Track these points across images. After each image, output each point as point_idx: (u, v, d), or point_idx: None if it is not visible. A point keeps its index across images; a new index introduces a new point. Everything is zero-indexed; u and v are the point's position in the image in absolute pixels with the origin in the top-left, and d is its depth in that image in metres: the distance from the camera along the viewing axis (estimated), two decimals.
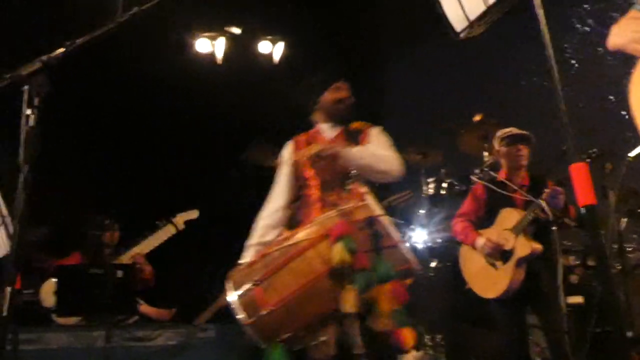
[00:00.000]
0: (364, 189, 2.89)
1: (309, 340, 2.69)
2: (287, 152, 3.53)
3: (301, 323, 2.59)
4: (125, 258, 5.52)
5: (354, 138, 3.38)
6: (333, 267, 2.55)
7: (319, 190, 3.24)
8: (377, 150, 3.28)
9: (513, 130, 4.27)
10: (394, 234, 2.65)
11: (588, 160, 3.99)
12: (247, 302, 2.63)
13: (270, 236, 3.26)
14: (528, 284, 4.00)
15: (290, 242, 2.74)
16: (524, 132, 4.25)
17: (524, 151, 4.24)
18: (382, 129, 3.51)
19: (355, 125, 3.48)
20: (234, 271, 2.84)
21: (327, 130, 3.48)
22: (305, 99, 3.57)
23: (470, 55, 7.17)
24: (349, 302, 2.52)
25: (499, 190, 4.19)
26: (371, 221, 2.61)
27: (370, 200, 2.72)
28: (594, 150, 4.02)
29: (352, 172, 3.10)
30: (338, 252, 2.54)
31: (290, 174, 3.45)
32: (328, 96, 3.48)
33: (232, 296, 2.67)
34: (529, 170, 4.32)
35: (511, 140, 4.24)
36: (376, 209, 2.66)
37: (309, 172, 3.30)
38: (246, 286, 2.66)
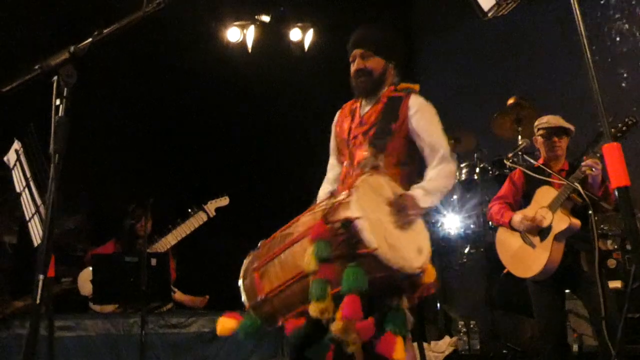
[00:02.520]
0: (366, 175, 2.65)
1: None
2: (336, 122, 3.31)
3: (295, 311, 2.51)
4: (165, 242, 5.59)
5: (393, 111, 3.02)
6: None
7: (350, 167, 3.08)
8: (439, 182, 2.92)
9: (551, 121, 4.17)
10: (370, 240, 2.32)
11: (624, 128, 3.87)
12: (248, 286, 2.66)
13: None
14: (568, 263, 3.91)
15: (288, 230, 2.67)
16: (561, 124, 4.15)
17: (560, 143, 4.16)
18: (424, 101, 3.06)
19: (394, 92, 3.09)
20: (254, 250, 2.80)
21: (364, 105, 3.16)
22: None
23: (503, 39, 7.07)
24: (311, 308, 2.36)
25: (537, 176, 4.12)
26: (347, 224, 2.37)
27: (356, 196, 2.44)
28: (630, 118, 3.87)
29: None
30: (307, 259, 2.39)
31: (334, 141, 3.30)
32: (351, 68, 3.13)
33: (240, 280, 2.71)
34: (567, 156, 4.25)
35: (548, 132, 4.17)
36: (356, 209, 2.38)
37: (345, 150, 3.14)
38: (249, 271, 2.68)
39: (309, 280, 2.41)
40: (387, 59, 3.12)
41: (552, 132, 4.16)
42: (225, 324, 2.70)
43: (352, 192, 2.45)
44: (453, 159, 3.03)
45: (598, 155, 3.84)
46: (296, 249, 2.50)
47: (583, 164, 3.85)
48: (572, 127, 4.19)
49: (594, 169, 3.80)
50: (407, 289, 2.62)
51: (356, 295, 2.31)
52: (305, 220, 2.61)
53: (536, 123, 4.30)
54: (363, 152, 2.98)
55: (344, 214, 2.41)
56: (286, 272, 2.51)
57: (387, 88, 3.11)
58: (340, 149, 3.22)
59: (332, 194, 2.64)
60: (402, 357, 2.49)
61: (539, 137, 4.24)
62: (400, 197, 2.71)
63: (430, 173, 2.97)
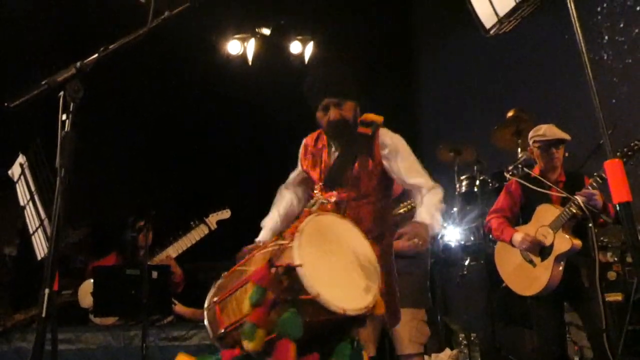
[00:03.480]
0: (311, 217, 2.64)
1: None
2: (300, 154, 3.37)
3: None
4: (158, 260, 5.59)
5: (360, 148, 3.06)
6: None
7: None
8: (436, 203, 2.93)
9: (547, 134, 4.17)
10: (311, 287, 2.34)
11: (629, 153, 3.88)
12: (211, 318, 2.74)
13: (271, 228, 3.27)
14: (568, 279, 3.94)
15: (243, 267, 2.72)
16: (557, 136, 4.16)
17: (558, 154, 4.17)
18: (393, 137, 3.09)
19: (364, 127, 3.10)
20: (221, 279, 2.88)
21: (332, 146, 3.17)
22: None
23: (503, 52, 7.11)
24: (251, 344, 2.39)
25: (533, 187, 4.13)
26: (288, 271, 2.39)
27: (298, 242, 2.45)
28: (636, 142, 3.89)
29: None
30: (245, 301, 2.45)
31: (300, 176, 3.37)
32: (319, 115, 3.10)
33: (205, 311, 2.80)
34: (564, 166, 4.26)
35: (545, 145, 4.17)
36: (297, 256, 2.39)
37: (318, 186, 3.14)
38: (212, 303, 2.75)
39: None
40: (356, 99, 3.12)
41: (549, 145, 4.16)
42: None
43: (295, 237, 2.46)
44: (436, 184, 3.03)
45: (600, 181, 3.84)
46: (247, 287, 2.53)
47: (580, 193, 3.86)
48: (568, 137, 4.19)
49: (591, 200, 3.81)
50: (358, 323, 2.63)
51: (289, 341, 2.35)
52: (257, 260, 2.65)
53: (531, 134, 4.29)
54: (322, 189, 3.02)
55: (287, 259, 2.43)
56: (238, 310, 2.55)
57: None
58: (311, 183, 3.25)
59: (281, 235, 2.65)
60: None
61: (536, 149, 4.24)
62: (414, 226, 2.78)
63: (425, 196, 2.98)
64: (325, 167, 3.15)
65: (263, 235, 3.33)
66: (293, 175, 3.43)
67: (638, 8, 5.64)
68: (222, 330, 2.61)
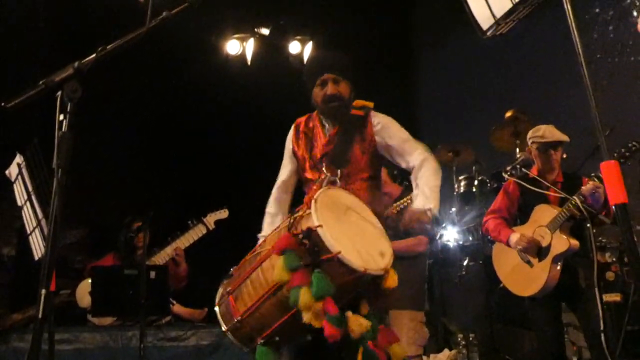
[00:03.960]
0: (320, 191, 2.73)
1: (288, 341, 2.72)
2: (288, 137, 3.41)
3: (271, 329, 2.59)
4: (164, 254, 5.59)
5: (355, 129, 3.16)
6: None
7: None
8: (430, 181, 3.05)
9: (546, 135, 4.17)
10: (332, 245, 2.42)
11: (627, 154, 3.88)
12: (223, 311, 2.75)
13: (277, 223, 3.21)
14: (565, 280, 3.93)
15: (256, 252, 2.78)
16: (557, 138, 4.15)
17: (556, 155, 4.16)
18: (385, 116, 3.23)
19: (356, 109, 3.21)
20: (226, 278, 2.90)
21: (325, 123, 3.25)
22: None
23: (502, 53, 7.11)
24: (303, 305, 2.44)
25: (531, 187, 4.13)
26: (309, 233, 2.47)
27: (315, 207, 2.55)
28: (634, 143, 3.89)
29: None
30: (277, 270, 2.48)
31: (292, 158, 3.37)
32: (316, 92, 3.21)
33: (216, 307, 2.81)
34: (562, 167, 4.25)
35: (544, 146, 4.17)
36: (316, 219, 2.49)
37: (310, 173, 3.22)
38: (223, 296, 2.77)
39: (280, 295, 2.52)
40: (352, 82, 3.24)
41: (548, 146, 4.15)
42: None
43: (312, 205, 2.55)
44: (431, 154, 3.17)
45: (600, 177, 3.83)
46: (265, 266, 2.59)
47: (583, 188, 3.85)
48: (567, 138, 4.18)
49: (595, 193, 3.80)
50: (369, 295, 2.69)
51: (328, 298, 2.42)
52: (271, 239, 2.71)
53: (530, 134, 4.28)
54: (328, 167, 3.12)
55: (305, 225, 2.51)
56: (258, 289, 2.59)
57: None
58: (306, 169, 3.27)
59: (292, 211, 2.73)
60: None
61: (534, 150, 4.24)
62: (411, 214, 2.91)
63: (418, 175, 3.09)
64: (322, 145, 3.20)
65: (266, 230, 3.36)
66: (283, 174, 3.46)
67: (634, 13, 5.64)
68: (238, 318, 2.63)
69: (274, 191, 3.46)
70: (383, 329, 2.69)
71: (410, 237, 4.52)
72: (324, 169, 3.11)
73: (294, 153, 3.33)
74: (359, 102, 3.23)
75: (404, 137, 3.19)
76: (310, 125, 3.32)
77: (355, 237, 2.65)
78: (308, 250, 2.47)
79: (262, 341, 2.60)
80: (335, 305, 2.42)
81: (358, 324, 2.50)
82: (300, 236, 2.49)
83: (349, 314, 2.51)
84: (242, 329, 2.65)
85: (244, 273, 2.70)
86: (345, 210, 2.76)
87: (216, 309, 2.79)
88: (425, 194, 2.99)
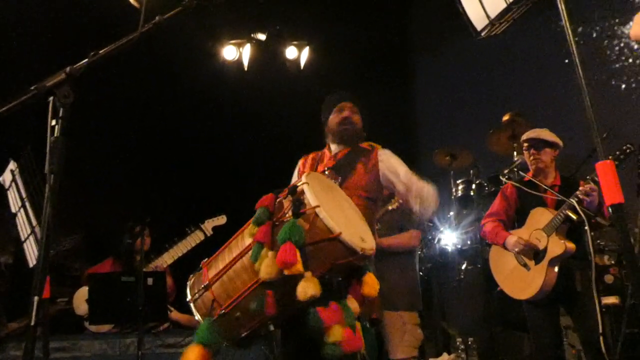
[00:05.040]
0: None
1: (248, 327, 2.62)
2: (296, 170, 3.61)
3: (234, 298, 2.52)
4: (161, 261, 5.56)
5: (360, 156, 3.36)
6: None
7: None
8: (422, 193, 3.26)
9: (530, 134, 4.20)
10: (313, 199, 2.44)
11: (622, 157, 3.88)
12: (200, 304, 2.65)
13: None
14: (562, 284, 3.93)
15: (234, 240, 2.72)
16: (540, 137, 4.16)
17: (540, 155, 4.15)
18: (391, 152, 3.43)
19: (364, 144, 3.46)
20: (194, 273, 2.85)
21: (333, 148, 3.50)
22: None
23: (499, 57, 7.12)
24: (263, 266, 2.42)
25: (529, 190, 4.12)
26: (294, 189, 2.52)
27: (307, 176, 2.60)
28: (628, 146, 3.90)
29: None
30: (249, 226, 2.54)
31: None
32: (332, 118, 3.50)
33: (190, 303, 2.71)
34: (559, 170, 4.25)
35: (527, 145, 4.20)
36: (305, 178, 2.55)
37: None
38: (200, 290, 2.67)
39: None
40: (364, 121, 3.53)
41: (530, 145, 4.18)
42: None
43: (303, 177, 2.58)
44: (429, 182, 3.30)
45: (596, 179, 3.83)
46: (245, 235, 2.58)
47: (579, 190, 3.85)
48: (555, 140, 4.16)
49: (589, 196, 3.80)
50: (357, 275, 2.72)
51: (291, 244, 2.37)
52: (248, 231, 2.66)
53: (522, 137, 4.33)
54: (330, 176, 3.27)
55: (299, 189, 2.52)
56: (233, 252, 2.57)
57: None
58: None
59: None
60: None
61: (524, 150, 4.27)
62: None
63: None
64: (327, 162, 3.40)
65: None
66: None
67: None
68: (205, 284, 2.58)
69: None
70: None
71: (403, 232, 4.54)
72: (326, 173, 3.26)
73: (299, 175, 3.48)
74: (367, 143, 3.47)
75: (405, 171, 3.32)
76: (320, 153, 3.54)
77: (346, 218, 2.66)
78: (291, 204, 2.49)
79: (222, 311, 2.53)
80: (294, 253, 2.37)
81: (305, 286, 2.40)
82: (285, 193, 2.54)
83: (307, 274, 2.42)
84: (205, 296, 2.58)
85: (225, 264, 2.64)
86: (333, 191, 2.83)
87: (192, 305, 2.69)
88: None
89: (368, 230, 2.82)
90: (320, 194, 2.52)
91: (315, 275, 2.42)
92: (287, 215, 2.48)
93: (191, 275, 2.80)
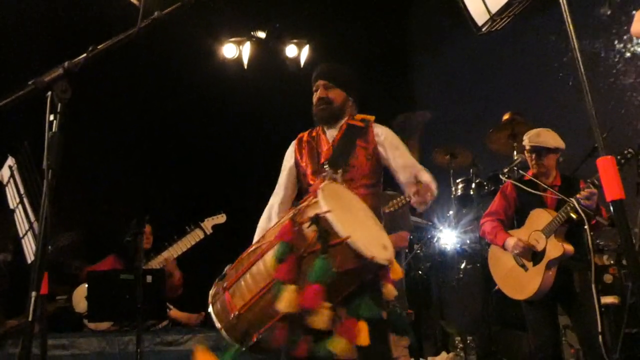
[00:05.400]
0: (326, 182, 2.76)
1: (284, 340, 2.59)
2: (290, 151, 3.47)
3: (268, 324, 2.48)
4: (155, 262, 5.56)
5: (357, 136, 3.23)
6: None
7: None
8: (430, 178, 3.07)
9: (532, 140, 4.17)
10: (341, 230, 2.37)
11: (622, 161, 3.87)
12: (218, 309, 2.65)
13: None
14: (560, 284, 3.93)
15: (255, 246, 2.71)
16: (542, 145, 4.14)
17: (542, 161, 4.14)
18: (388, 129, 3.30)
19: (356, 120, 3.31)
20: (219, 279, 2.81)
21: (327, 131, 3.34)
22: None
23: (499, 56, 7.11)
24: (283, 302, 2.38)
25: (529, 190, 4.12)
26: (316, 219, 2.43)
27: (322, 195, 2.52)
28: (629, 150, 3.90)
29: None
30: (270, 261, 2.47)
31: (291, 173, 3.41)
32: (313, 99, 3.38)
33: (209, 307, 2.71)
34: (560, 170, 4.24)
35: (530, 151, 4.19)
36: (324, 205, 2.45)
37: (313, 179, 3.24)
38: (218, 293, 2.68)
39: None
40: (347, 92, 3.34)
41: (532, 151, 4.17)
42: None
43: (318, 193, 2.53)
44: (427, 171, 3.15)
45: (597, 183, 3.82)
46: (267, 258, 2.52)
47: (579, 194, 3.84)
48: (557, 146, 4.15)
49: (589, 199, 3.80)
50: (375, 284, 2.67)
51: (319, 286, 2.35)
52: (272, 232, 2.65)
53: (524, 137, 4.31)
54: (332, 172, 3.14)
55: (313, 212, 2.47)
56: (259, 282, 2.51)
57: (346, 118, 3.31)
58: (307, 175, 3.29)
59: (296, 203, 2.72)
60: (365, 342, 2.50)
61: (526, 152, 4.26)
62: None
63: (422, 177, 3.07)
64: (326, 150, 3.26)
65: (258, 235, 3.33)
66: (279, 194, 3.46)
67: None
68: (235, 314, 2.54)
69: (267, 210, 3.46)
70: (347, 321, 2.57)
71: (392, 233, 4.53)
72: (326, 169, 3.14)
73: (296, 163, 3.38)
74: (360, 116, 3.34)
75: (405, 152, 3.24)
76: (314, 134, 3.39)
77: (361, 226, 2.63)
78: (314, 240, 2.42)
79: (260, 336, 2.52)
80: (320, 297, 2.35)
81: (316, 320, 2.39)
82: (308, 224, 2.45)
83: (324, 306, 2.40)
84: (239, 325, 2.55)
85: (241, 268, 2.63)
86: (348, 203, 2.76)
87: (210, 308, 2.70)
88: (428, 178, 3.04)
89: (383, 232, 2.79)
90: (342, 217, 2.48)
91: (337, 298, 2.45)
92: (314, 247, 2.43)
93: (218, 282, 2.77)
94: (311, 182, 3.23)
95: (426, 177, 3.06)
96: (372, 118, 3.33)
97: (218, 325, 2.63)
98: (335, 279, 2.38)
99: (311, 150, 3.34)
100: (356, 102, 3.39)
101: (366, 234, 2.59)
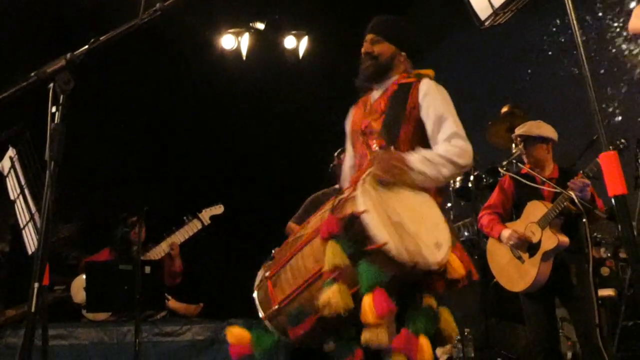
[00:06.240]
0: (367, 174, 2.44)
1: (323, 338, 2.49)
2: (349, 116, 3.12)
3: (305, 321, 2.34)
4: (159, 249, 5.56)
5: (403, 97, 2.83)
6: (325, 272, 2.24)
7: (364, 159, 2.84)
8: (433, 158, 2.63)
9: (520, 129, 4.21)
10: (378, 235, 2.17)
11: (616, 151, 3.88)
12: (262, 296, 2.54)
13: None
14: (557, 276, 3.95)
15: (299, 234, 2.54)
16: (528, 133, 4.15)
17: (530, 151, 4.16)
18: (434, 85, 2.87)
19: (406, 78, 2.91)
20: (267, 261, 2.66)
21: (374, 93, 2.99)
22: None
23: (497, 48, 7.10)
24: (330, 302, 2.18)
25: (527, 182, 4.13)
26: (352, 220, 2.22)
27: (362, 190, 2.29)
28: (622, 140, 3.93)
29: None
30: (328, 257, 2.23)
31: (350, 138, 3.07)
32: None
33: (254, 292, 2.59)
34: (557, 162, 4.26)
35: (520, 139, 4.21)
36: (362, 203, 2.23)
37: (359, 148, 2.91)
38: (262, 280, 2.56)
39: (321, 284, 2.27)
40: (398, 45, 2.99)
41: (520, 142, 4.19)
42: (238, 334, 2.52)
43: (358, 187, 2.31)
44: (467, 142, 2.80)
45: (591, 175, 3.84)
46: (306, 252, 2.37)
47: (570, 183, 3.86)
48: (543, 135, 4.16)
49: (582, 191, 3.81)
50: (431, 285, 2.45)
51: (380, 289, 2.17)
52: (314, 222, 2.48)
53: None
54: (374, 142, 2.81)
55: (350, 209, 2.27)
56: (297, 277, 2.37)
57: (398, 75, 2.96)
58: (354, 142, 3.01)
59: (340, 191, 2.51)
60: (428, 358, 2.32)
61: (518, 145, 4.29)
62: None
63: (438, 147, 2.73)
64: (372, 116, 2.91)
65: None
66: (348, 159, 3.14)
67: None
68: (276, 307, 2.41)
69: (344, 172, 3.15)
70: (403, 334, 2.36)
71: None
72: (374, 144, 2.81)
73: (348, 130, 3.07)
74: (418, 71, 2.98)
75: (442, 106, 2.82)
76: (366, 98, 3.06)
77: (409, 224, 2.35)
78: (352, 239, 2.22)
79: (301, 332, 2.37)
80: (388, 297, 2.15)
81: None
82: (345, 221, 2.25)
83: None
84: (280, 317, 2.42)
85: (284, 257, 2.48)
86: (398, 192, 2.46)
87: (254, 294, 2.55)
88: (424, 155, 2.63)
89: (441, 223, 2.52)
90: (383, 215, 2.25)
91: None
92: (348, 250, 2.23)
93: (265, 264, 2.61)
94: (357, 151, 2.93)
95: (437, 148, 2.69)
96: (431, 72, 2.98)
97: (261, 314, 2.50)
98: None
99: (360, 113, 3.01)
100: (412, 57, 3.03)
101: (415, 232, 2.34)
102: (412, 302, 2.42)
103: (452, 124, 2.79)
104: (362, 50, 2.99)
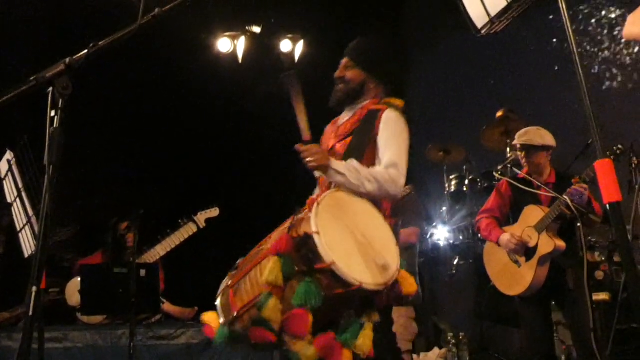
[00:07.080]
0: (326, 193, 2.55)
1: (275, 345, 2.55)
2: (324, 133, 3.21)
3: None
4: (154, 252, 5.55)
5: (369, 124, 2.89)
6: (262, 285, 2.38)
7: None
8: (361, 170, 2.70)
9: (522, 137, 4.21)
10: (326, 255, 2.27)
11: (612, 157, 3.91)
12: (223, 304, 2.64)
13: None
14: (553, 280, 3.97)
15: (261, 247, 2.66)
16: (531, 142, 4.17)
17: (531, 159, 4.18)
18: (395, 116, 2.90)
19: (376, 104, 2.97)
20: (232, 270, 2.78)
21: (343, 116, 3.09)
22: None
23: (492, 53, 7.13)
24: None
25: (524, 187, 4.15)
26: (305, 239, 2.33)
27: (316, 212, 2.40)
28: (619, 146, 3.95)
29: None
30: (267, 272, 2.35)
31: None
32: None
33: (217, 299, 2.70)
34: (554, 167, 4.28)
35: (520, 149, 4.23)
36: (314, 224, 2.34)
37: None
38: (226, 288, 2.67)
39: None
40: (370, 72, 3.05)
41: (521, 150, 4.21)
42: (211, 317, 2.67)
43: (313, 208, 2.42)
44: (402, 175, 2.80)
45: (587, 180, 3.86)
46: (263, 265, 2.47)
47: (569, 190, 3.88)
48: (545, 144, 4.18)
49: (581, 196, 3.83)
50: (382, 303, 2.56)
51: (305, 311, 2.28)
52: (274, 237, 2.59)
53: (516, 136, 4.34)
54: None
55: (304, 229, 2.38)
56: (254, 288, 2.49)
57: (369, 100, 3.03)
58: None
59: (300, 210, 2.58)
60: None
61: (518, 151, 4.29)
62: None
63: (376, 168, 2.80)
64: (339, 135, 3.02)
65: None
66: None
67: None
68: (235, 314, 2.52)
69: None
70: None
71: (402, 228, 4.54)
72: None
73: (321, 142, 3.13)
74: (386, 100, 3.02)
75: (392, 142, 2.86)
76: (339, 116, 3.15)
77: (359, 246, 2.49)
78: (301, 258, 2.34)
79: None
80: (307, 323, 2.28)
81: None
82: (298, 241, 2.37)
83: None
84: (238, 324, 2.54)
85: (245, 268, 2.60)
86: (353, 216, 2.59)
87: (217, 301, 2.67)
88: (355, 166, 2.71)
89: (390, 245, 2.60)
90: (334, 237, 2.38)
91: (324, 322, 2.38)
92: (303, 267, 2.36)
93: (230, 273, 2.73)
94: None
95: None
96: (400, 103, 2.99)
97: (222, 319, 2.61)
98: (323, 303, 2.30)
99: (331, 131, 3.11)
100: (386, 84, 3.08)
101: (362, 256, 2.46)
102: (348, 315, 2.50)
103: (394, 154, 2.83)
104: (335, 74, 3.06)
